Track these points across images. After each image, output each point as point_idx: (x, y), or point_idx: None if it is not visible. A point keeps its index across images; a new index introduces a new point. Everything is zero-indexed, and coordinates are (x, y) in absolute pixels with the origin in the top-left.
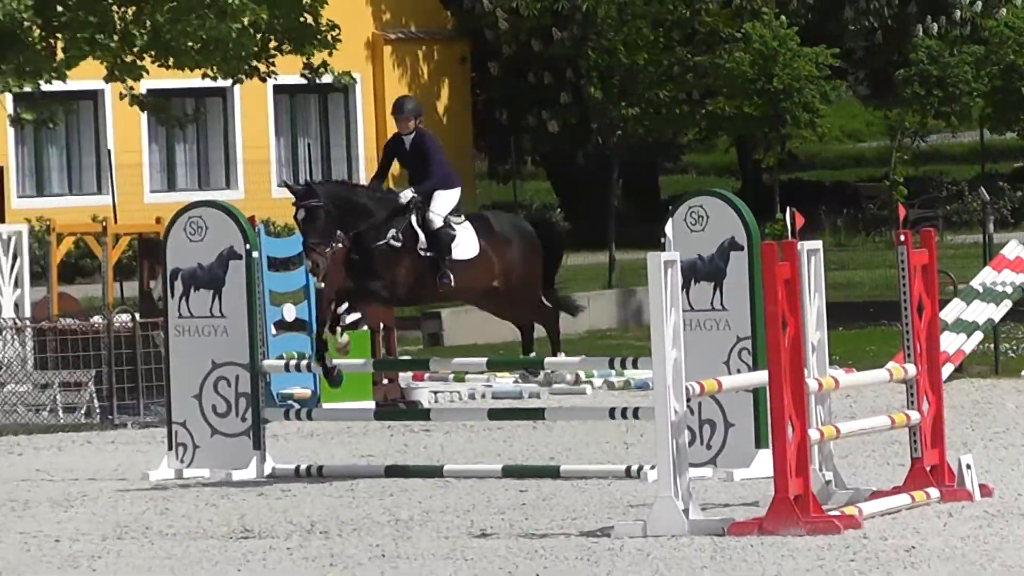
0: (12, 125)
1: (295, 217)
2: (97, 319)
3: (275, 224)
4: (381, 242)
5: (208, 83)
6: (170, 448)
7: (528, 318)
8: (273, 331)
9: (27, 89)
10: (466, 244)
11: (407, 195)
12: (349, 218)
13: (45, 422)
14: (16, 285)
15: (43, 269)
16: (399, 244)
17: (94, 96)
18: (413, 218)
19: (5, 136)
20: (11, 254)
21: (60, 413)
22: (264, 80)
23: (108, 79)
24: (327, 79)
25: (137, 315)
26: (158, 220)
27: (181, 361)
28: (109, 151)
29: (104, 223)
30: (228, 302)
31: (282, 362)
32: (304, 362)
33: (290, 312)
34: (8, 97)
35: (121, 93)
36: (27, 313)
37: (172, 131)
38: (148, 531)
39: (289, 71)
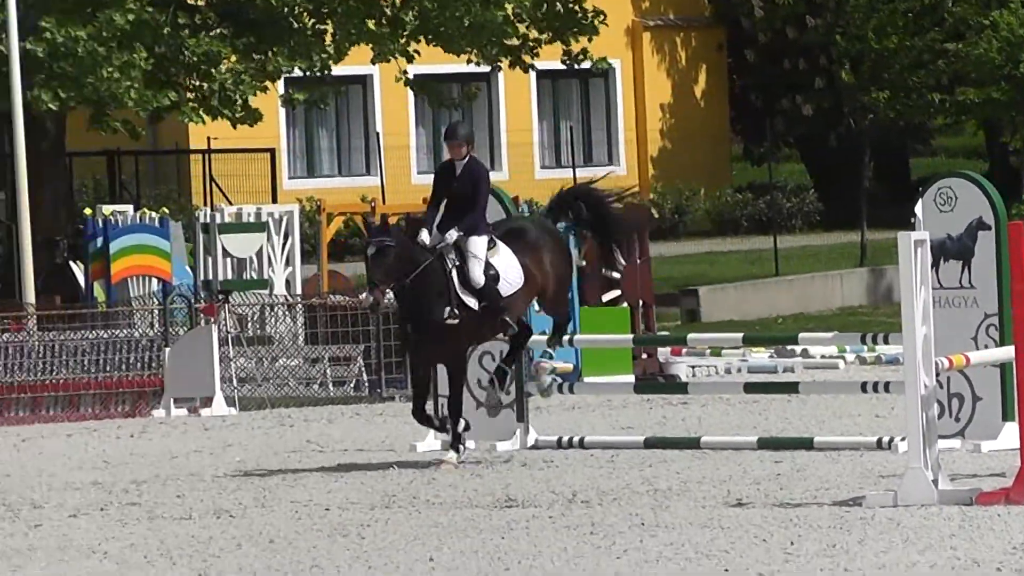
0: (284, 105)
1: (365, 251)
2: (366, 295)
3: (538, 204)
4: (438, 321)
5: (473, 68)
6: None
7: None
8: (536, 307)
9: (297, 72)
10: (511, 275)
11: (452, 236)
12: (404, 269)
13: (315, 395)
14: (287, 263)
15: (314, 248)
16: (457, 320)
17: (363, 80)
18: (457, 285)
19: (277, 119)
20: (283, 233)
21: (330, 386)
22: (526, 71)
23: (376, 60)
24: (585, 65)
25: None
26: (424, 200)
27: None
28: (378, 133)
29: (373, 203)
30: None
31: (544, 337)
32: (566, 337)
33: None
34: (280, 81)
35: (396, 76)
36: (298, 290)
37: (438, 114)
38: (415, 500)
39: (551, 57)
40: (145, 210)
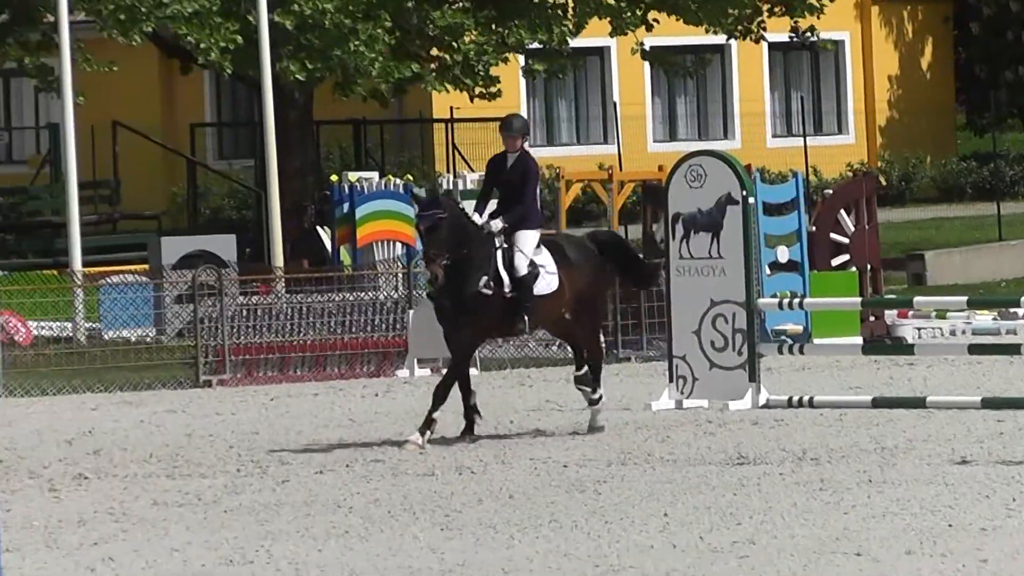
0: (524, 76)
1: (417, 227)
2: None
3: (770, 172)
4: (472, 290)
5: (707, 40)
6: (671, 380)
7: (584, 345)
8: (768, 271)
9: (536, 45)
10: (547, 278)
11: (496, 225)
12: (457, 239)
13: (554, 356)
14: None
15: (553, 213)
16: (490, 292)
17: (600, 52)
18: (500, 261)
19: (518, 89)
20: None
21: (568, 348)
22: (757, 42)
23: (614, 33)
24: (812, 40)
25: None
26: (660, 168)
27: (682, 299)
28: (615, 104)
29: (610, 171)
30: (726, 244)
31: (776, 300)
32: (796, 300)
33: (783, 254)
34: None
35: (632, 48)
36: None
37: (674, 84)
38: (650, 457)
39: (782, 29)
40: (390, 177)
